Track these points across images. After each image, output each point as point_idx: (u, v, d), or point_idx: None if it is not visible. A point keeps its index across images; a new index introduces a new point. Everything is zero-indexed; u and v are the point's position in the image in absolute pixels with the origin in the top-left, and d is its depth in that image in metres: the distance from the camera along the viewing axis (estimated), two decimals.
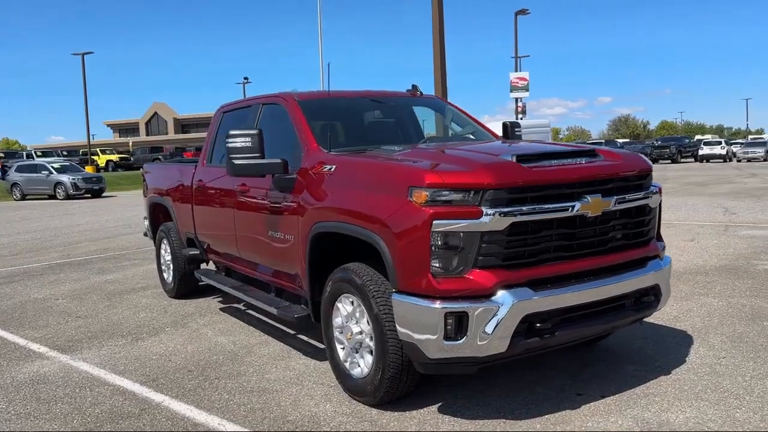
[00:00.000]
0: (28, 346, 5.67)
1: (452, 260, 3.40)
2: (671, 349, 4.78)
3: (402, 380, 3.76)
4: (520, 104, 32.00)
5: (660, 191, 4.15)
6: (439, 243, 3.38)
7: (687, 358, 4.56)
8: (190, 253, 6.65)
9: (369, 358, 3.90)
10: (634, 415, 3.69)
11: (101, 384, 4.61)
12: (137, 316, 6.53)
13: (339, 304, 4.12)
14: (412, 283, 3.47)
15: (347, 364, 4.11)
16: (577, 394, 4.03)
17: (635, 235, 4.00)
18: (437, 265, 3.41)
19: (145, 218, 8.20)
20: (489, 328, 3.37)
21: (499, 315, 3.36)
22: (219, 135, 6.18)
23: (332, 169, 4.18)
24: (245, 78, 59.55)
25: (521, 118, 41.79)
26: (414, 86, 5.76)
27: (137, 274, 8.95)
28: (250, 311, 6.52)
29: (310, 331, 5.57)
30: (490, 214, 3.35)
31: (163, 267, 7.48)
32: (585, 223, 3.67)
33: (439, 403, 3.95)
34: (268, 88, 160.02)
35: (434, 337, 3.40)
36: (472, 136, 5.47)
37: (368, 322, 3.88)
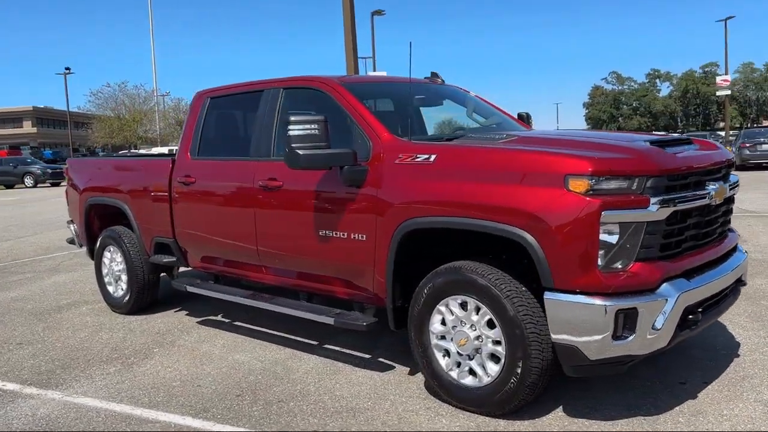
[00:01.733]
0: None
1: (619, 253, 3.21)
2: (719, 333, 4.93)
3: (539, 386, 3.49)
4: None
5: None
6: (608, 235, 3.16)
7: (747, 341, 4.72)
8: (164, 260, 5.77)
9: (492, 366, 3.57)
10: (754, 398, 3.72)
11: (141, 421, 3.83)
12: (99, 338, 5.55)
13: (442, 308, 3.75)
14: (574, 281, 3.21)
15: (454, 374, 3.75)
16: (680, 383, 4.00)
17: (728, 222, 4.06)
18: (604, 259, 3.19)
19: (70, 222, 7.04)
20: (658, 323, 3.22)
21: (667, 309, 3.23)
22: (207, 124, 5.42)
23: (431, 159, 3.77)
24: (66, 68, 54.34)
25: None
26: (434, 74, 5.44)
27: (47, 289, 7.68)
28: (237, 323, 5.81)
29: (337, 339, 5.07)
30: (655, 203, 3.20)
31: (107, 279, 6.45)
32: (709, 211, 3.65)
33: (559, 407, 3.72)
34: (93, 79, 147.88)
35: (601, 337, 3.18)
36: (502, 125, 5.26)
37: (488, 326, 3.56)
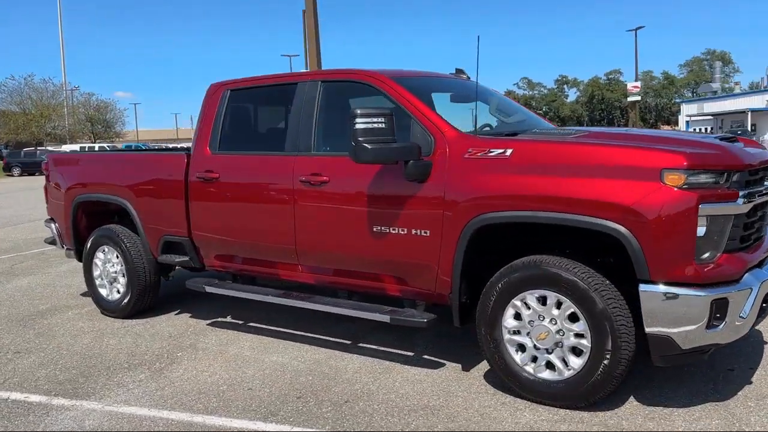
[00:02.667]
0: (10, 396, 4.21)
1: (710, 245, 3.33)
2: None
3: (623, 377, 3.56)
4: None
5: None
6: (705, 228, 3.27)
7: None
8: (176, 260, 5.48)
9: (574, 359, 3.62)
10: None
11: (210, 428, 3.61)
12: (107, 344, 5.22)
13: (517, 303, 3.76)
14: (672, 272, 3.30)
15: (530, 368, 3.77)
16: (728, 369, 4.18)
17: None
18: (701, 251, 3.29)
19: (49, 221, 6.57)
20: (744, 312, 3.36)
21: (752, 297, 3.37)
22: (228, 117, 5.19)
23: (507, 154, 3.77)
24: None
25: None
26: (459, 70, 5.44)
27: (14, 294, 7.15)
28: (253, 324, 5.61)
29: (370, 338, 5.00)
30: (742, 197, 3.34)
31: (99, 282, 6.06)
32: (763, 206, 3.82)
33: (630, 396, 3.82)
34: None
35: (696, 327, 3.29)
36: (529, 122, 5.32)
37: (570, 319, 3.61)
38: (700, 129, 53.48)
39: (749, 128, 47.57)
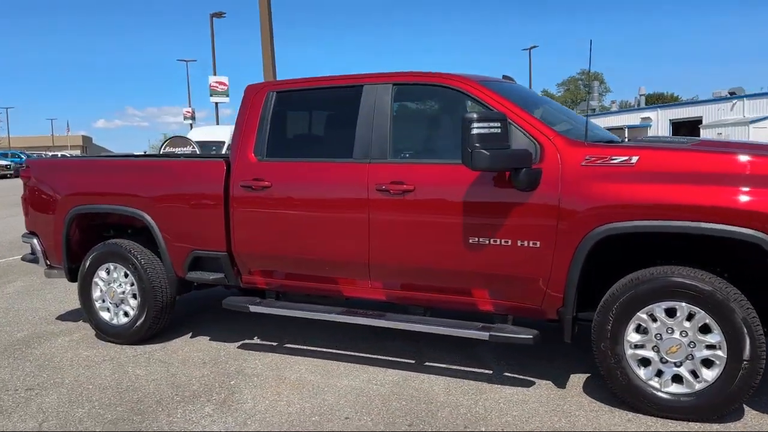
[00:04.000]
0: None
1: None
2: None
3: (756, 387, 3.55)
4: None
5: None
6: None
7: None
8: (210, 278, 4.95)
9: (706, 371, 3.56)
10: None
11: None
12: (135, 375, 4.62)
13: (643, 315, 3.66)
14: None
15: (654, 382, 3.68)
16: None
17: None
18: None
19: (29, 236, 5.78)
20: None
21: None
22: (275, 121, 4.77)
23: (632, 161, 3.67)
24: None
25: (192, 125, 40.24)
26: (507, 77, 5.32)
27: None
28: (289, 345, 5.17)
29: (431, 355, 4.73)
30: None
31: (100, 304, 5.38)
32: None
33: (744, 407, 3.80)
34: None
35: None
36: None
37: (701, 331, 3.55)
38: None
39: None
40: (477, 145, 3.61)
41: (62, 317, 6.25)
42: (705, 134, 45.96)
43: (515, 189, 3.85)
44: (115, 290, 5.29)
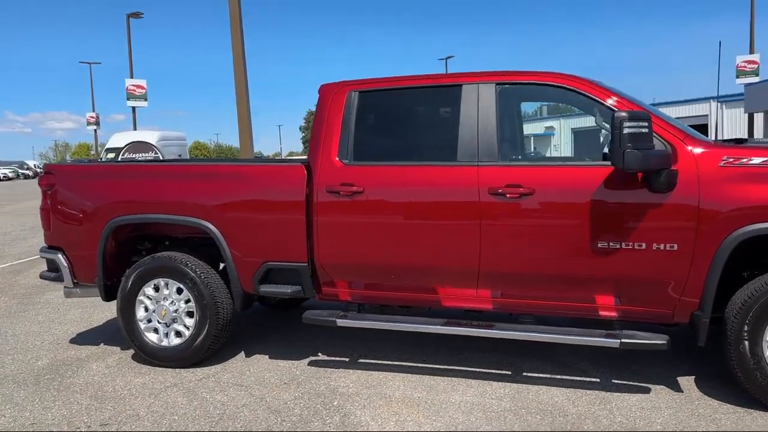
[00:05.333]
0: None
1: None
2: None
3: None
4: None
5: None
6: None
7: None
8: (289, 291, 4.57)
9: None
10: None
11: None
12: (216, 401, 4.19)
13: None
14: None
15: None
16: None
17: None
18: None
19: (51, 249, 5.15)
20: None
21: None
22: (361, 122, 4.48)
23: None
24: None
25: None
26: None
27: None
28: (364, 360, 4.86)
29: (522, 366, 4.58)
30: None
31: (146, 324, 4.86)
32: None
33: None
34: None
35: None
36: None
37: None
38: None
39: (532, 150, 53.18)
40: (629, 145, 3.50)
41: (77, 340, 5.62)
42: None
43: (648, 191, 3.76)
44: (167, 308, 4.78)
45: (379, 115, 4.56)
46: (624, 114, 3.52)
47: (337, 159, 4.39)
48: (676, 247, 3.75)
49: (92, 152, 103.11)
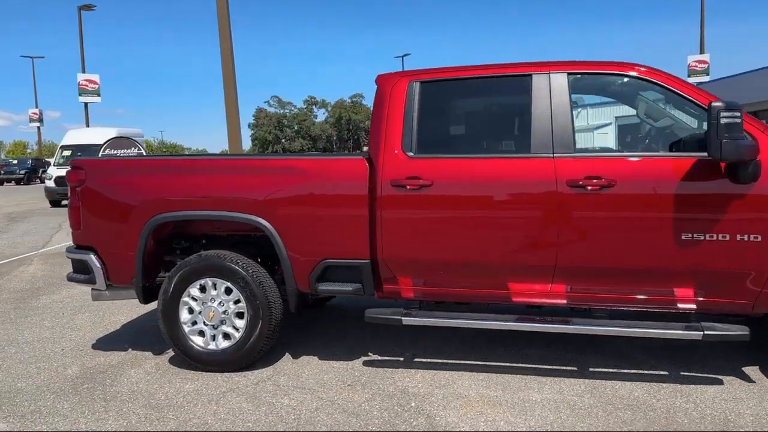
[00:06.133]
0: None
1: None
2: None
3: None
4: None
5: None
6: None
7: None
8: (347, 289, 4.39)
9: None
10: None
11: None
12: (283, 406, 3.97)
13: None
14: None
15: None
16: None
17: None
18: None
19: (81, 250, 4.83)
20: None
21: None
22: (424, 114, 4.35)
23: None
24: None
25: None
26: None
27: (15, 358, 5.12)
28: (421, 359, 4.73)
29: (583, 360, 4.53)
30: None
31: (190, 327, 4.61)
32: None
33: None
34: None
35: None
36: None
37: None
38: None
39: None
40: (726, 135, 3.47)
41: (100, 346, 5.30)
42: None
43: (730, 182, 3.75)
44: (215, 310, 4.54)
45: (442, 105, 4.43)
46: (721, 104, 3.50)
47: (401, 152, 4.24)
48: (760, 238, 3.75)
49: (29, 150, 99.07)
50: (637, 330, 3.95)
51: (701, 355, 4.56)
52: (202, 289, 4.54)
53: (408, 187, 4.16)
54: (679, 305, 3.99)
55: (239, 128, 10.88)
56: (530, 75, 4.18)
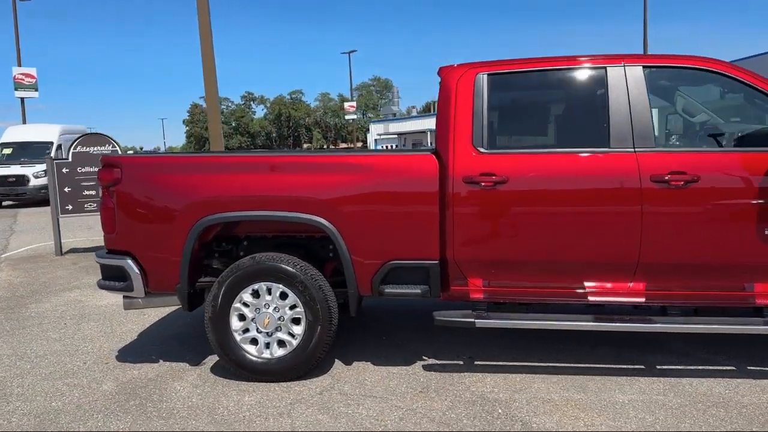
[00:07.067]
0: None
1: None
2: None
3: None
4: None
5: None
6: None
7: None
8: (419, 291, 4.19)
9: None
10: None
11: None
12: (364, 416, 3.75)
13: None
14: None
15: None
16: None
17: None
18: None
19: (116, 255, 4.47)
20: None
21: None
22: (493, 107, 4.20)
23: None
24: None
25: None
26: None
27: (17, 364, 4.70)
28: (479, 361, 4.59)
29: (646, 360, 4.50)
30: None
31: (242, 336, 4.32)
32: None
33: None
34: None
35: None
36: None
37: None
38: (388, 146, 59.33)
39: (429, 145, 54.54)
40: None
41: (125, 358, 4.93)
42: None
43: None
44: (271, 316, 4.26)
45: (513, 99, 4.29)
46: None
47: (472, 147, 4.07)
48: None
49: None
50: (717, 327, 3.92)
51: (755, 350, 4.58)
52: (255, 294, 4.25)
53: (482, 183, 4.00)
54: (758, 300, 3.98)
55: (219, 126, 10.42)
56: (604, 67, 4.08)
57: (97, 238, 11.80)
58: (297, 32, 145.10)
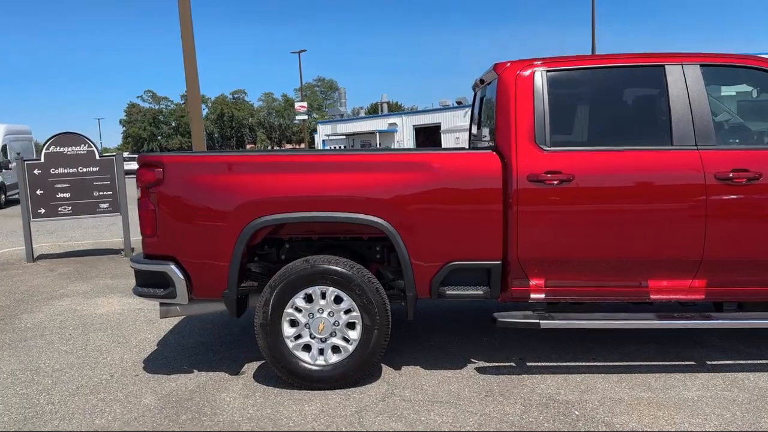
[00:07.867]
0: None
1: None
2: None
3: None
4: None
5: None
6: None
7: None
8: (481, 293, 4.10)
9: None
10: None
11: None
12: (438, 423, 3.62)
13: None
14: None
15: None
16: None
17: None
18: None
19: (157, 260, 4.22)
20: None
21: None
22: (554, 105, 4.15)
23: None
24: None
25: None
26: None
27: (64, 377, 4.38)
28: (530, 363, 4.54)
29: (690, 355, 4.55)
30: None
31: (295, 342, 4.14)
32: None
33: None
34: None
35: None
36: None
37: None
38: (337, 147, 59.07)
39: (378, 145, 54.55)
40: None
41: (155, 369, 4.66)
42: (445, 139, 50.75)
43: None
44: (326, 321, 4.09)
45: (572, 96, 4.24)
46: None
47: (535, 145, 4.01)
48: None
49: None
50: None
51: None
52: (308, 298, 4.07)
53: (546, 181, 3.94)
54: None
55: (202, 125, 10.08)
56: (662, 66, 4.08)
57: (63, 243, 11.26)
58: (239, 31, 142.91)
